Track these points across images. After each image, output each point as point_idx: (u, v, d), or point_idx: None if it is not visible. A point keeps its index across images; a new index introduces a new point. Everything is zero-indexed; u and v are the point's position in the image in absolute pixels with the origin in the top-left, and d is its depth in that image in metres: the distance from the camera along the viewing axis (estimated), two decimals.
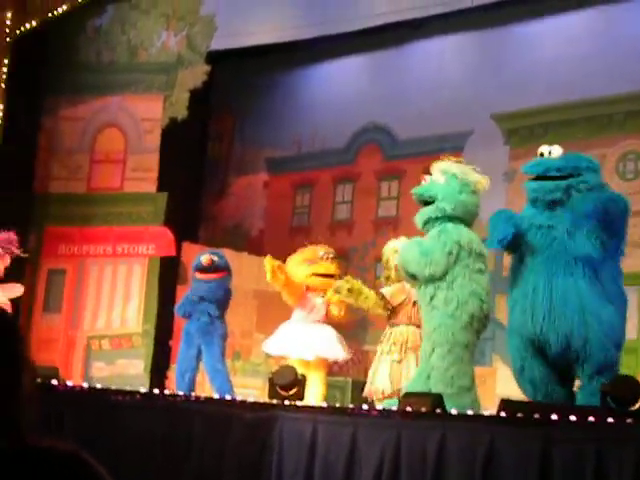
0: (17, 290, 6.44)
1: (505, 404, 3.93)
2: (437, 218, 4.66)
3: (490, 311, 4.72)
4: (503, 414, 3.86)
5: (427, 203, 4.73)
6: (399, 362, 5.42)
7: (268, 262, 5.92)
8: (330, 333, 6.01)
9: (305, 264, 6.06)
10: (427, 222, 4.71)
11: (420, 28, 8.56)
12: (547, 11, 8.19)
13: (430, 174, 4.84)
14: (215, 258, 6.29)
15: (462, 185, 4.70)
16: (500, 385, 7.55)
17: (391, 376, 5.41)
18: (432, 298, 4.58)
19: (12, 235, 6.36)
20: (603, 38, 7.96)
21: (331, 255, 6.10)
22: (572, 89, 7.88)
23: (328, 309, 5.99)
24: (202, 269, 6.27)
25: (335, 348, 5.98)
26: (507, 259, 8.02)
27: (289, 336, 6.01)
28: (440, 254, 4.54)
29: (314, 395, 5.69)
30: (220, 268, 6.30)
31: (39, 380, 5.00)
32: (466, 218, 4.72)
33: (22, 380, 1.10)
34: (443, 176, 4.74)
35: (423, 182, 4.85)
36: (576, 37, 8.06)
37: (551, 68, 8.01)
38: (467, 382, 4.52)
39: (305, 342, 5.91)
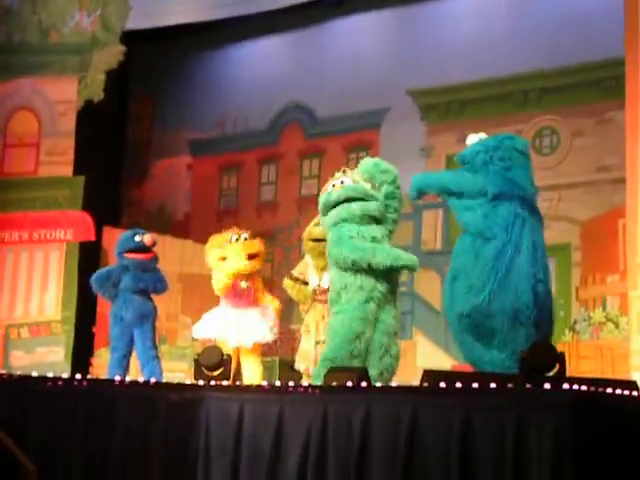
0: None
1: (427, 374, 4.00)
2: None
3: None
4: (425, 384, 3.93)
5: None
6: (317, 342, 5.37)
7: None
8: (256, 316, 5.91)
9: (214, 249, 5.85)
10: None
11: (340, 6, 8.59)
12: None
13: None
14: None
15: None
16: (420, 358, 7.70)
17: (311, 354, 5.39)
18: None
19: None
20: (518, 15, 8.11)
21: (244, 236, 5.87)
22: (488, 66, 8.01)
23: (255, 293, 5.88)
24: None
25: (263, 330, 5.87)
26: (426, 234, 8.22)
27: (219, 320, 5.89)
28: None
29: (253, 377, 5.61)
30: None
31: None
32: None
33: None
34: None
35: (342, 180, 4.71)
36: (491, 14, 8.19)
37: (468, 45, 8.13)
38: None
39: (238, 327, 5.80)
